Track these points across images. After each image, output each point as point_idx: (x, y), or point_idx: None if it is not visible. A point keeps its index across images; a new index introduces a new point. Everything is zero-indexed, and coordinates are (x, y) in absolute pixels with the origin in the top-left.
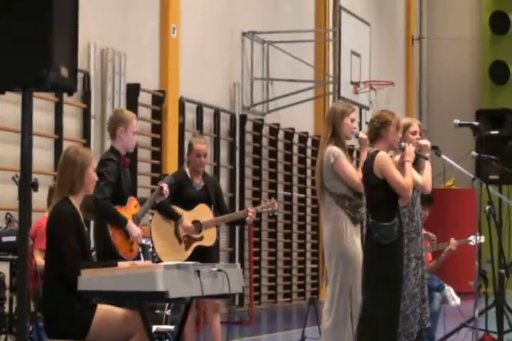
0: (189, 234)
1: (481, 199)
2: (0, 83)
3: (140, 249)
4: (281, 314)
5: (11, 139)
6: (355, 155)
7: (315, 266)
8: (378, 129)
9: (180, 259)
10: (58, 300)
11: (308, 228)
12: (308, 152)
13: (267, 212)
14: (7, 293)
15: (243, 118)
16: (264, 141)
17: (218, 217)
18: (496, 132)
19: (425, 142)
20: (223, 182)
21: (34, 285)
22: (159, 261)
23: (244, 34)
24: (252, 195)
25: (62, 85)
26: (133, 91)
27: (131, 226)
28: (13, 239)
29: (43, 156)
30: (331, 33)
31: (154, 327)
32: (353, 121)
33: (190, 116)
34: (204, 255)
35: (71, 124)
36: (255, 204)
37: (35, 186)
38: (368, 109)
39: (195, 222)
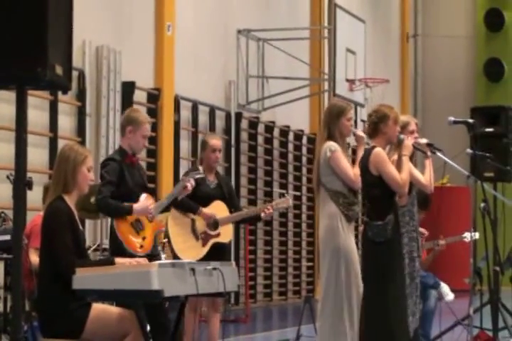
0: (208, 223)
1: (475, 197)
2: None
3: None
4: (276, 312)
5: (6, 137)
6: (352, 153)
7: (310, 264)
8: (376, 124)
9: (198, 256)
10: (53, 298)
11: (304, 226)
12: (304, 150)
13: (281, 209)
14: (1, 292)
15: (238, 116)
16: (260, 139)
17: (234, 213)
18: (491, 129)
19: (424, 140)
20: None
21: (29, 285)
22: (176, 257)
23: (239, 32)
24: (247, 193)
25: (57, 83)
26: (128, 89)
27: (137, 208)
28: (7, 237)
29: (37, 155)
30: (326, 31)
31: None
32: (350, 120)
33: (185, 114)
34: (220, 252)
35: (66, 122)
36: (251, 202)
37: (29, 185)
38: (363, 106)
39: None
